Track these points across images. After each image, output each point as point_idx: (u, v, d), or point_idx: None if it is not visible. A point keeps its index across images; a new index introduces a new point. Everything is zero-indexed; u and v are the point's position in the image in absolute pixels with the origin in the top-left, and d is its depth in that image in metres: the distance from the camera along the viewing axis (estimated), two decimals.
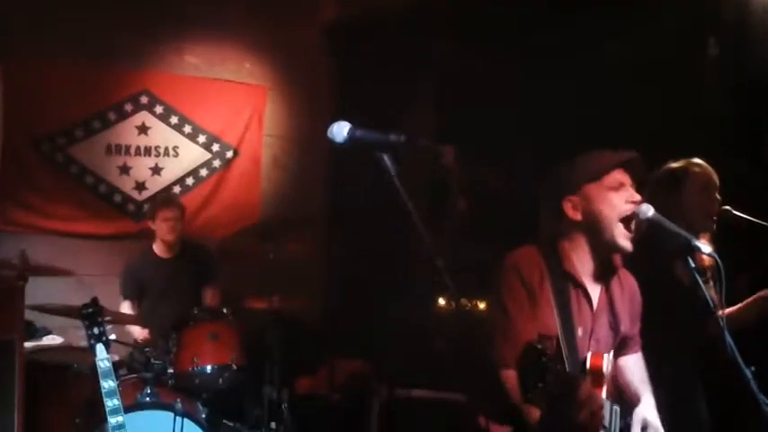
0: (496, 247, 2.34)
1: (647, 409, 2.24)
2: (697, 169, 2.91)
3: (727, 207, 2.88)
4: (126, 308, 4.49)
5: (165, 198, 4.94)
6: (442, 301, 4.39)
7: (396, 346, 4.46)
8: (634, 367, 2.35)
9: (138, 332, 4.32)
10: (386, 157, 1.71)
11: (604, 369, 2.10)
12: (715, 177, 2.91)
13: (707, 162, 2.96)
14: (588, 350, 2.15)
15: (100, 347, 2.89)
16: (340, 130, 1.73)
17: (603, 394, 2.06)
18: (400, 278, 4.75)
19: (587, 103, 4.41)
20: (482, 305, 3.95)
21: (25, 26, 4.91)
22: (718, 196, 2.90)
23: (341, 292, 5.48)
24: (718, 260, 1.94)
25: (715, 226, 2.92)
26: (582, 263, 2.19)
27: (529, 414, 1.98)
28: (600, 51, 4.46)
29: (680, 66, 4.26)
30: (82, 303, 2.98)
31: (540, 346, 1.74)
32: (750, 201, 3.03)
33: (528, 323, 2.11)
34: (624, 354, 2.34)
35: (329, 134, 1.73)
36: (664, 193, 2.85)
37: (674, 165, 2.96)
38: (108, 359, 2.88)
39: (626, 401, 2.27)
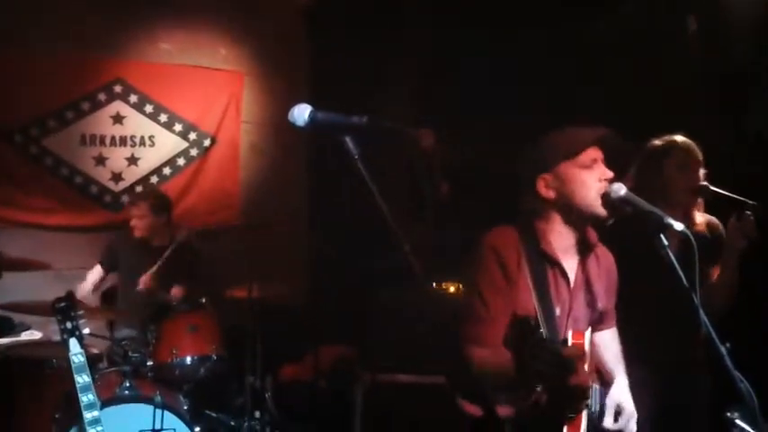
0: (478, 228, 2.30)
1: (620, 392, 2.24)
2: (680, 145, 2.89)
3: (705, 183, 2.85)
4: (95, 271, 4.50)
5: (136, 194, 5.00)
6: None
7: (379, 331, 4.43)
8: (609, 343, 2.35)
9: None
10: (348, 140, 1.67)
11: (586, 347, 2.09)
12: (698, 153, 2.88)
13: (689, 137, 2.93)
14: (566, 328, 2.13)
15: (73, 342, 2.84)
16: (301, 114, 1.69)
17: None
18: (383, 263, 4.71)
19: (568, 80, 4.37)
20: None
21: None
22: (702, 172, 2.87)
23: (323, 278, 5.44)
24: (691, 237, 1.91)
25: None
26: (558, 241, 2.17)
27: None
28: (581, 26, 4.43)
29: (660, 40, 4.24)
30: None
31: (532, 321, 1.70)
32: (732, 175, 3.01)
33: (502, 306, 2.08)
34: (600, 329, 2.33)
35: (290, 118, 1.68)
36: (646, 170, 2.83)
37: (657, 141, 2.93)
38: (82, 354, 2.83)
39: (601, 378, 2.27)
